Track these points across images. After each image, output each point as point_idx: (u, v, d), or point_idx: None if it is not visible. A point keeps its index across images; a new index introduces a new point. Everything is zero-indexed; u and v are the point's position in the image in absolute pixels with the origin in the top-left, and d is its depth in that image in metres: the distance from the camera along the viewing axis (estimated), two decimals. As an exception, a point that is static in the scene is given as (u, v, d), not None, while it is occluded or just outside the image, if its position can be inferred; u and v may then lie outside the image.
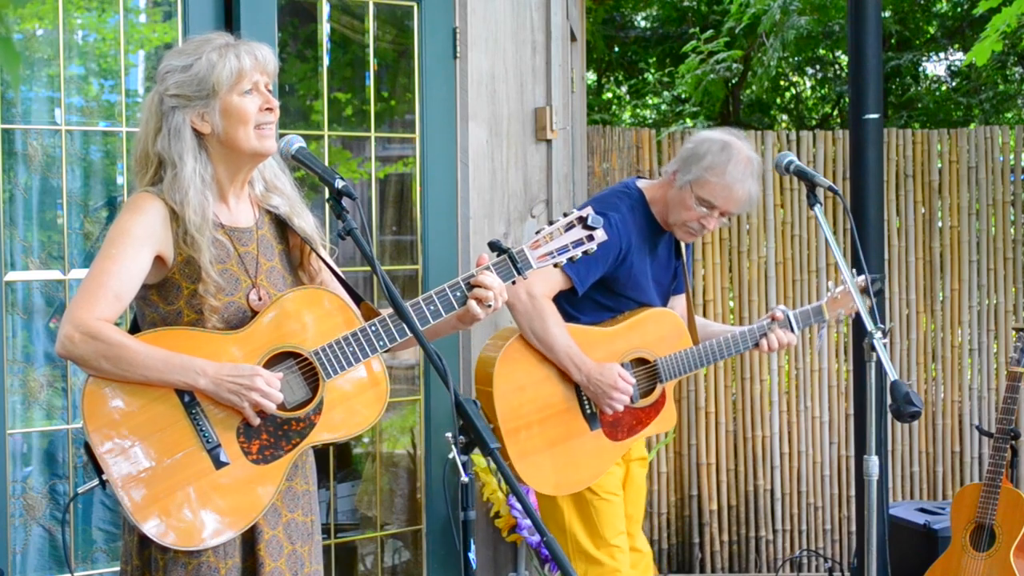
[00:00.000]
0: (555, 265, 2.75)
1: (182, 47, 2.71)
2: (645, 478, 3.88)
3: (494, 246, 2.73)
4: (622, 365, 3.55)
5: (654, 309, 3.65)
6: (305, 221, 2.78)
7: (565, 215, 2.77)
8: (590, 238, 2.76)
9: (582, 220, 2.76)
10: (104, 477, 2.53)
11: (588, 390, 3.52)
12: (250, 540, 2.64)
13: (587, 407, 3.56)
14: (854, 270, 3.48)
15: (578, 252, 2.76)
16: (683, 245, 3.75)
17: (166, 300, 2.62)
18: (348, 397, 2.68)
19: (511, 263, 2.71)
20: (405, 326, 2.63)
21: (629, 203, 3.67)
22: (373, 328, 2.66)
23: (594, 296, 3.62)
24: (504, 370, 3.52)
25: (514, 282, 2.74)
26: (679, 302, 3.82)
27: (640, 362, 3.61)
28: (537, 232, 2.75)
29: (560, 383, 3.54)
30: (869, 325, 3.18)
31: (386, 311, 2.69)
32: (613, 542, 3.63)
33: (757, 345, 3.65)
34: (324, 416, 2.65)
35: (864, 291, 3.52)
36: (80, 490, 2.64)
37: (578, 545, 3.64)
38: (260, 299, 2.67)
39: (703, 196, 3.53)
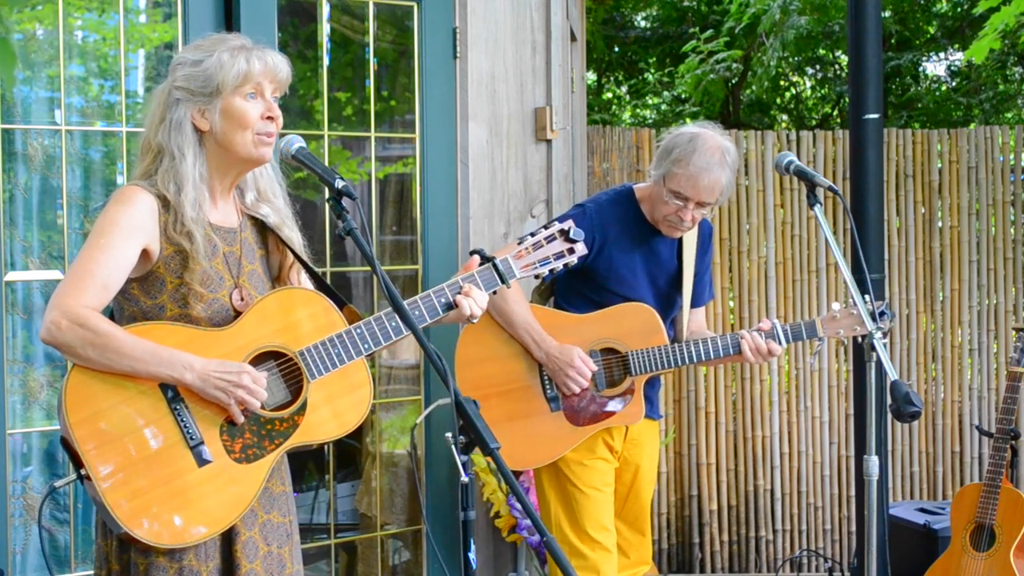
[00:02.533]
0: (536, 276, 2.86)
1: (200, 42, 2.71)
2: (648, 492, 3.85)
3: (480, 255, 2.80)
4: (590, 353, 3.59)
5: (630, 302, 3.64)
6: (294, 233, 2.79)
7: (546, 227, 2.87)
8: (571, 251, 2.87)
9: (564, 233, 2.87)
10: (83, 472, 2.50)
11: (548, 368, 3.58)
12: (228, 541, 2.62)
13: (548, 388, 3.60)
14: (867, 297, 3.44)
15: (559, 264, 2.87)
16: (688, 253, 3.72)
17: (148, 294, 2.61)
18: (332, 399, 2.68)
19: (495, 272, 2.78)
20: (390, 328, 2.69)
21: (612, 196, 3.75)
22: (359, 330, 2.68)
23: (581, 290, 3.65)
24: (466, 341, 3.62)
25: (495, 292, 2.81)
26: (699, 315, 3.82)
27: (611, 352, 3.63)
28: (520, 242, 2.85)
29: (523, 361, 3.61)
30: (869, 325, 3.18)
31: (374, 314, 2.71)
32: (595, 537, 3.66)
33: (740, 352, 3.59)
34: (308, 417, 2.65)
35: (872, 316, 3.49)
36: (57, 484, 2.61)
37: (563, 536, 3.68)
38: (242, 299, 2.67)
39: (673, 188, 3.55)
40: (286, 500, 2.77)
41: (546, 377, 3.60)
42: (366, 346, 2.68)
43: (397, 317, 2.67)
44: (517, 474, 4.32)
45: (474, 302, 2.74)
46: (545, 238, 2.86)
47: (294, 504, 2.82)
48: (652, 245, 3.69)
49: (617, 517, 3.78)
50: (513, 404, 3.60)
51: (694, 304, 3.79)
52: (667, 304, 3.72)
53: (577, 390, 3.56)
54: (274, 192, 2.80)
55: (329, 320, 2.70)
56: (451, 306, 2.74)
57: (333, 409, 2.68)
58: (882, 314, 3.51)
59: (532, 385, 3.61)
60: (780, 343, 3.60)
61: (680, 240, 3.72)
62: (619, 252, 3.64)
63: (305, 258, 2.79)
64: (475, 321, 2.77)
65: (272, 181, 2.80)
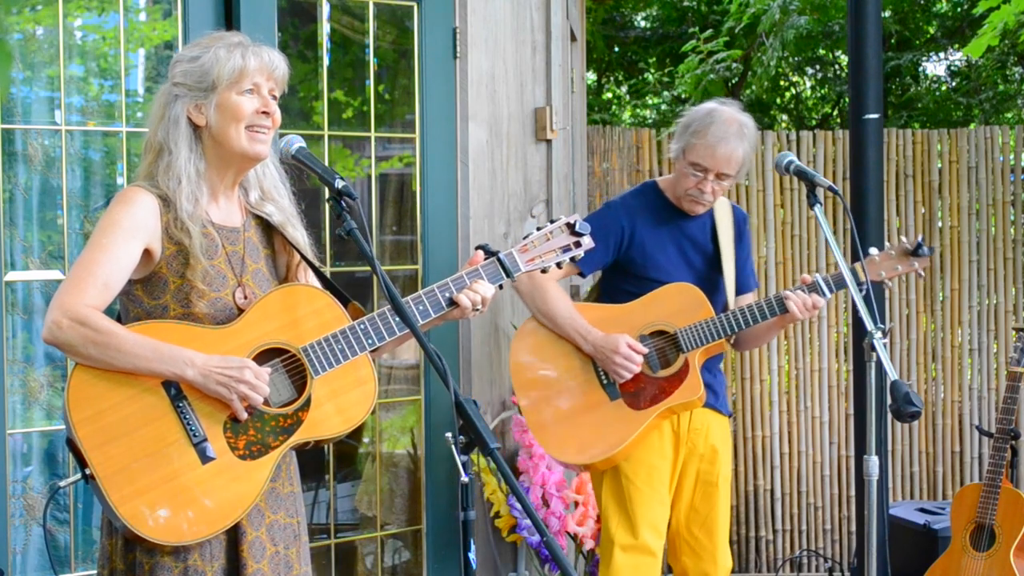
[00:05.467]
0: (542, 270, 2.83)
1: (198, 40, 2.73)
2: (720, 487, 3.77)
3: (484, 250, 2.79)
4: (640, 339, 3.61)
5: (672, 283, 3.68)
6: (299, 232, 2.79)
7: (552, 221, 2.86)
8: (577, 244, 2.85)
9: (570, 226, 2.85)
10: (88, 471, 2.50)
11: (597, 359, 3.61)
12: (234, 541, 2.62)
13: (604, 378, 3.63)
14: (903, 238, 3.59)
15: (565, 258, 2.85)
16: (724, 235, 3.74)
17: (151, 295, 2.61)
18: (336, 395, 2.67)
19: (500, 266, 2.77)
20: (393, 324, 2.68)
21: (636, 190, 3.87)
22: (362, 326, 2.67)
23: (622, 286, 3.71)
24: (518, 347, 3.70)
25: (501, 286, 2.81)
26: (747, 300, 3.79)
27: (661, 335, 3.65)
28: (525, 237, 2.83)
29: (576, 357, 3.65)
30: (869, 325, 3.18)
31: (376, 311, 2.70)
32: (642, 532, 3.64)
33: (786, 311, 3.58)
34: (312, 413, 2.64)
35: (912, 253, 3.55)
36: (62, 484, 2.61)
37: (607, 533, 3.70)
38: (245, 298, 2.67)
39: (693, 160, 3.62)
40: (294, 500, 2.76)
41: (600, 369, 3.63)
42: (370, 342, 2.67)
43: (412, 313, 2.67)
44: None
45: (476, 295, 2.73)
46: (550, 231, 2.84)
47: (303, 505, 2.81)
48: (683, 228, 3.74)
49: (688, 516, 3.75)
50: (573, 401, 3.64)
51: (741, 290, 3.80)
52: (709, 286, 3.72)
53: (628, 376, 3.57)
54: (278, 192, 2.80)
55: (333, 316, 2.69)
56: (454, 302, 2.73)
57: (337, 405, 2.67)
58: (919, 247, 3.54)
59: (589, 379, 3.64)
60: (824, 295, 3.60)
61: (713, 223, 3.75)
62: (650, 238, 3.71)
63: (310, 256, 2.79)
64: (480, 312, 2.76)
65: (276, 180, 2.80)
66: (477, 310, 2.74)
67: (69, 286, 2.54)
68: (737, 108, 3.71)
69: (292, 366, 2.66)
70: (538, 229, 2.86)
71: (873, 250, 3.62)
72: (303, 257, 2.79)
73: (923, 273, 3.64)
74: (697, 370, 3.62)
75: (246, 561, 2.61)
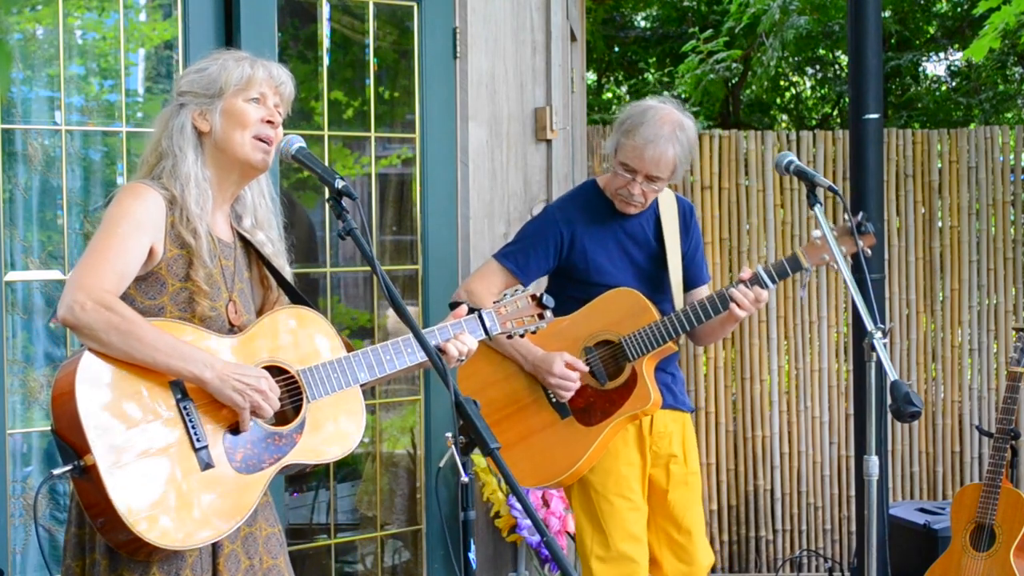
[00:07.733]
0: (508, 336, 2.93)
1: (205, 57, 2.75)
2: (691, 485, 3.69)
3: (469, 308, 2.88)
4: (585, 349, 3.53)
5: (612, 289, 3.58)
6: (287, 267, 2.81)
7: (516, 291, 2.96)
8: (541, 316, 2.95)
9: (535, 298, 2.95)
10: (82, 463, 2.42)
11: (539, 379, 3.53)
12: (212, 555, 2.59)
13: (552, 397, 3.54)
14: (846, 214, 3.45)
15: (531, 329, 2.95)
16: (669, 231, 3.65)
17: (147, 295, 2.58)
18: (327, 423, 2.67)
19: (480, 323, 2.86)
20: (384, 361, 2.72)
21: (574, 191, 3.78)
22: (356, 359, 2.69)
23: (568, 292, 3.58)
24: (466, 373, 3.58)
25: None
26: (701, 295, 3.69)
27: (606, 344, 3.55)
28: (496, 301, 2.94)
29: (522, 378, 3.56)
30: (869, 325, 3.17)
31: (374, 345, 2.74)
32: (620, 546, 3.56)
33: (728, 307, 3.47)
34: (305, 437, 2.63)
35: (852, 232, 3.40)
36: (55, 472, 2.50)
37: (583, 548, 3.62)
38: (235, 313, 2.67)
39: (622, 160, 3.53)
40: (272, 510, 2.76)
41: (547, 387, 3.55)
42: (363, 375, 2.69)
43: (393, 352, 2.71)
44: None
45: (464, 346, 2.79)
46: (519, 299, 2.93)
47: (276, 514, 2.81)
48: (625, 228, 3.64)
49: (662, 517, 3.68)
50: (524, 423, 3.55)
51: (693, 284, 3.71)
52: (655, 285, 3.63)
53: (567, 396, 3.50)
54: (270, 224, 2.81)
55: (332, 344, 2.71)
56: (441, 350, 2.76)
57: (328, 434, 2.67)
58: (861, 224, 3.39)
59: (537, 399, 3.55)
60: (766, 286, 3.48)
61: (657, 218, 3.66)
62: (591, 241, 3.60)
63: (297, 290, 2.79)
64: (463, 361, 2.80)
65: (269, 213, 2.81)
66: (461, 360, 2.79)
67: (87, 269, 2.49)
68: (675, 106, 3.57)
69: (288, 387, 2.65)
70: (508, 294, 2.93)
71: (816, 232, 3.45)
72: (293, 290, 2.79)
73: (869, 252, 3.42)
74: (646, 377, 3.52)
75: (221, 574, 2.59)
